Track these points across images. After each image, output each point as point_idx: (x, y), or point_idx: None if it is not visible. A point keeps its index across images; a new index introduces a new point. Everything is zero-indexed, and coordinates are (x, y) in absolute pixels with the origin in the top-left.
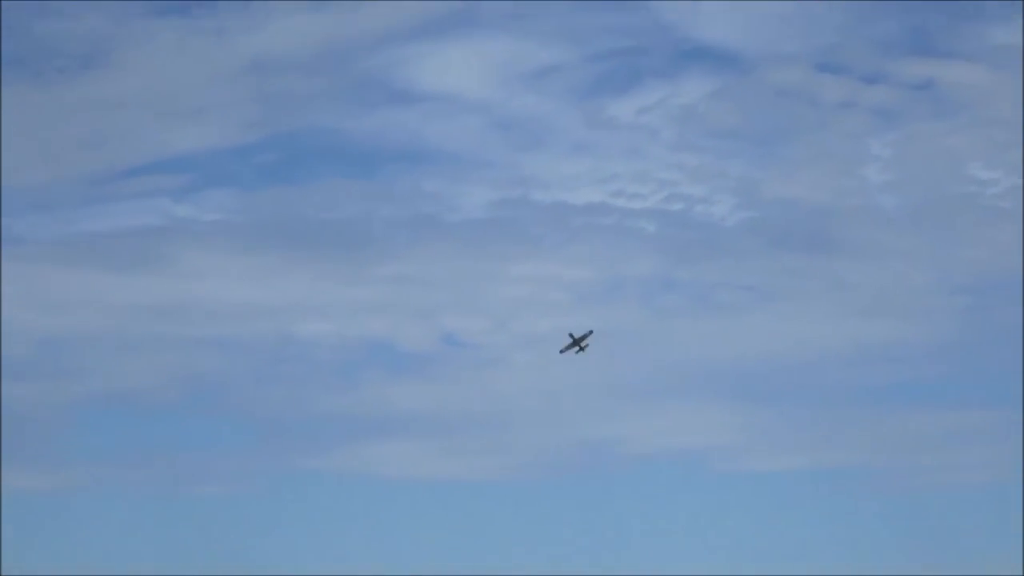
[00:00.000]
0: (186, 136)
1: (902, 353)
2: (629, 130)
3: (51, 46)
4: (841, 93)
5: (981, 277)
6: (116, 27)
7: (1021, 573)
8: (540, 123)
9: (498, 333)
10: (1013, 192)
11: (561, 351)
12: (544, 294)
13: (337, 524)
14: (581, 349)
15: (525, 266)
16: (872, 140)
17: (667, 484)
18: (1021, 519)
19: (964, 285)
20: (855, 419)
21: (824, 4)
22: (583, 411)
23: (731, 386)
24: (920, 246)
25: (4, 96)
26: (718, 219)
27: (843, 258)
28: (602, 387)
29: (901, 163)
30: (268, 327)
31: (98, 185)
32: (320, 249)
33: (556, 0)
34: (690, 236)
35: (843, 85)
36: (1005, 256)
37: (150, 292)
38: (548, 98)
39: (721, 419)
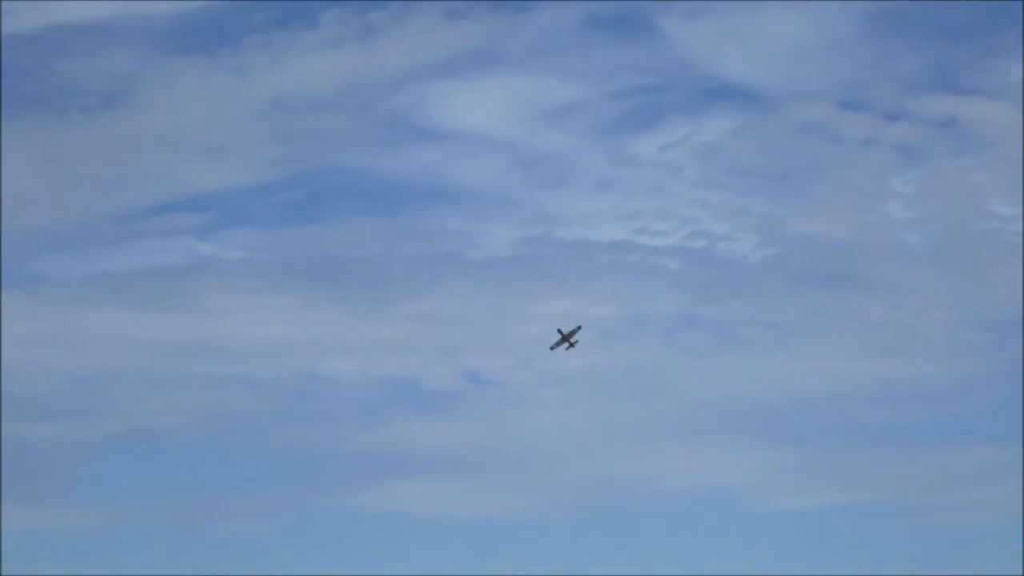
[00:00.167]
0: (209, 174)
1: (926, 390)
2: (652, 167)
3: (74, 85)
4: (864, 130)
5: (1004, 314)
6: (139, 66)
7: None
8: (563, 160)
9: (522, 371)
10: None
11: (551, 348)
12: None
13: (362, 562)
14: (571, 345)
15: (548, 303)
16: (894, 177)
17: (692, 522)
18: None
19: (987, 321)
20: (880, 456)
21: (846, 41)
22: (607, 449)
23: (755, 423)
24: (943, 283)
25: (27, 135)
26: (741, 256)
27: (866, 295)
28: (626, 425)
29: (924, 200)
30: (292, 365)
31: (121, 223)
32: (343, 287)
33: (578, 38)
34: (713, 273)
35: (866, 122)
36: None
37: (174, 330)
38: (570, 136)
39: (746, 456)
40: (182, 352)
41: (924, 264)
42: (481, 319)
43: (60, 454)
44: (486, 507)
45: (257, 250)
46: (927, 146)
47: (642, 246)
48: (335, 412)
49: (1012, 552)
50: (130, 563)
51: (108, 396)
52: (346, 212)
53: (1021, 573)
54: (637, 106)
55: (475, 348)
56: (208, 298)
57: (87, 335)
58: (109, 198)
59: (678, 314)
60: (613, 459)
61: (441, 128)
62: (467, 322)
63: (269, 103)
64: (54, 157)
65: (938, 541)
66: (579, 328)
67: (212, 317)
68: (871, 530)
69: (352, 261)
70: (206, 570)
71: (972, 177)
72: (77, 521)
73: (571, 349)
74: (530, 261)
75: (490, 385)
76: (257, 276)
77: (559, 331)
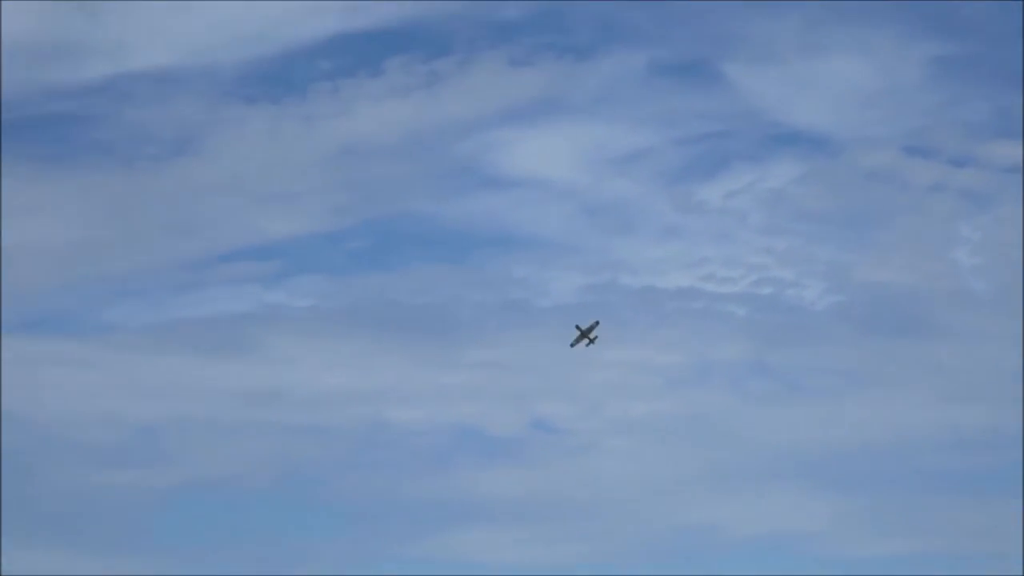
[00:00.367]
0: (276, 222)
1: (994, 437)
2: (718, 214)
3: (142, 132)
4: (930, 176)
5: None
6: (207, 113)
7: None
8: (629, 207)
9: (588, 418)
10: None
11: (571, 345)
12: (634, 379)
13: None
14: (591, 341)
15: (615, 351)
16: (961, 223)
17: (759, 570)
18: None
19: None
20: (948, 504)
21: (912, 87)
22: (675, 497)
23: (823, 471)
24: (1011, 329)
25: (96, 183)
26: (808, 303)
27: (934, 342)
28: (693, 472)
29: (990, 246)
30: (359, 412)
31: (190, 271)
32: (410, 334)
33: (643, 85)
34: (780, 320)
35: (932, 168)
36: None
37: (242, 378)
38: (636, 182)
39: (813, 504)
40: (249, 400)
41: (991, 311)
42: (547, 366)
43: (129, 502)
44: (552, 555)
45: (324, 298)
46: (994, 192)
47: (708, 293)
48: (401, 460)
49: None
50: None
51: (176, 444)
52: (413, 259)
53: (1021, 574)
54: (703, 153)
55: (541, 395)
56: (275, 346)
57: (155, 383)
58: (177, 246)
59: (745, 361)
60: (680, 507)
61: (507, 175)
62: (534, 369)
63: (336, 151)
64: (123, 205)
65: None
66: (597, 323)
67: (279, 365)
68: None
69: (419, 308)
70: None
71: None
72: (145, 569)
73: (591, 345)
74: (597, 308)
75: (556, 433)
76: (324, 324)
77: (577, 327)
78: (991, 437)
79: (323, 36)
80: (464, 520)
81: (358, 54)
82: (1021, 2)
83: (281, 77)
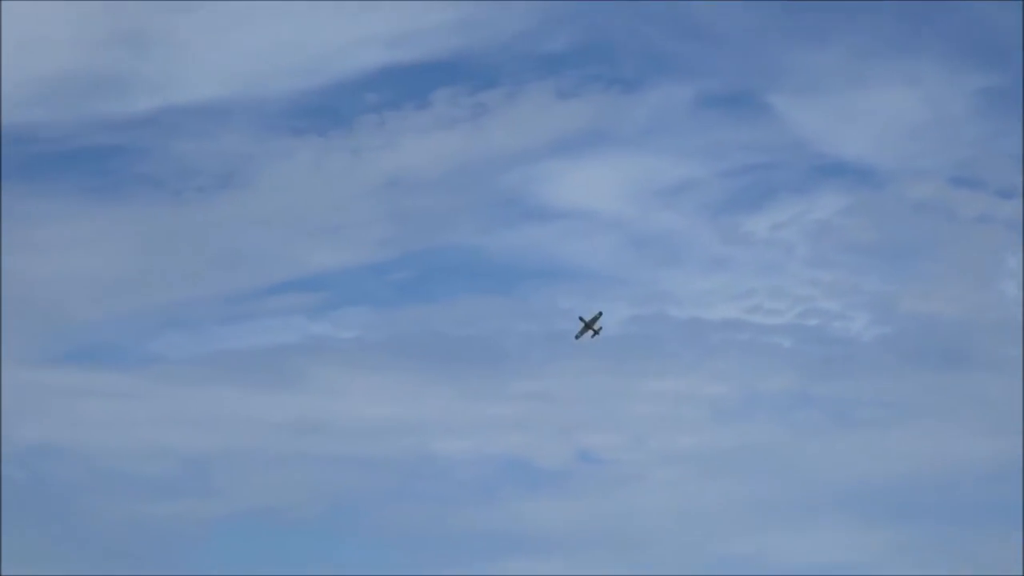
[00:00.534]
0: (322, 254)
1: None
2: (764, 246)
3: (189, 165)
4: (977, 207)
5: None
6: (253, 146)
7: None
8: (675, 239)
9: (635, 450)
10: None
11: (576, 337)
12: (681, 410)
13: None
14: (596, 332)
15: (661, 382)
16: (1008, 254)
17: None
18: None
19: None
20: (996, 536)
21: (958, 118)
22: (721, 528)
23: (870, 503)
24: None
25: (143, 215)
26: (854, 335)
27: (981, 373)
28: (740, 504)
29: None
30: (404, 444)
31: (236, 303)
32: (456, 366)
33: (690, 116)
34: (827, 352)
35: (978, 199)
36: None
37: (288, 410)
38: (683, 214)
39: (860, 536)
40: (295, 431)
41: None
42: (594, 398)
43: (176, 534)
44: None
45: (370, 329)
46: None
47: (755, 325)
48: (448, 491)
49: None
50: None
51: (223, 476)
52: (459, 291)
53: (1021, 574)
54: (749, 184)
55: (588, 427)
56: (321, 377)
57: (202, 415)
58: (223, 278)
59: (791, 393)
60: (726, 538)
61: (553, 207)
62: (580, 401)
63: (382, 183)
64: (170, 237)
65: None
66: (600, 314)
67: (325, 396)
68: None
69: (465, 340)
70: None
71: None
72: None
73: (596, 337)
74: (643, 340)
75: (603, 464)
76: (370, 355)
77: (581, 319)
78: None
79: (370, 69)
80: (510, 551)
81: (405, 86)
82: None
83: (328, 109)
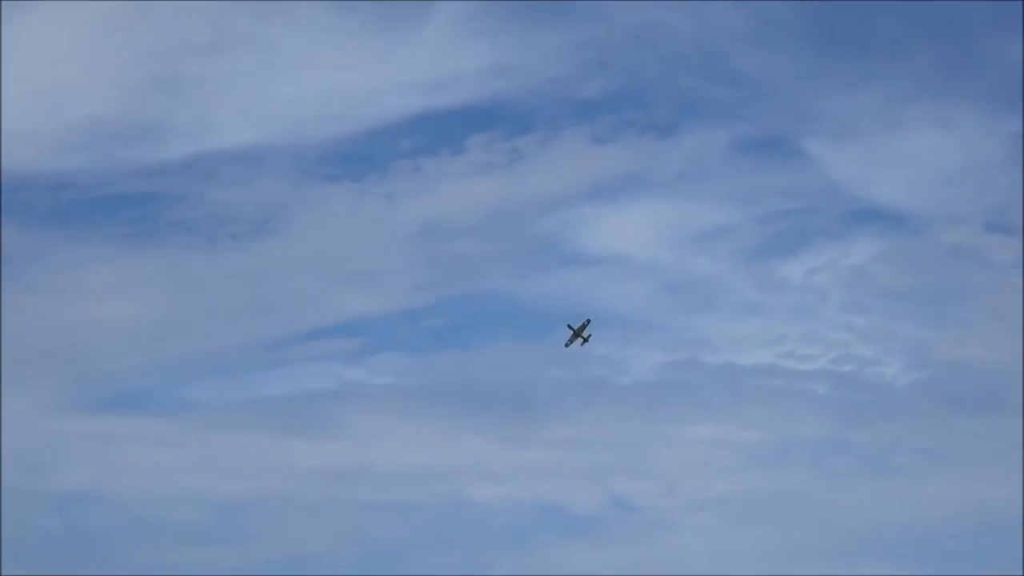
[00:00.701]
0: (357, 300)
1: None
2: (799, 291)
3: (225, 211)
4: (1011, 252)
5: None
6: (288, 192)
7: None
8: (709, 285)
9: (669, 496)
10: None
11: (566, 345)
12: (715, 456)
13: None
14: (585, 340)
15: (696, 428)
16: None
17: None
18: None
19: None
20: None
21: (993, 164)
22: (756, 574)
23: (905, 549)
24: None
25: (179, 262)
26: (889, 380)
27: (1015, 419)
28: (775, 550)
29: None
30: (440, 490)
31: (271, 350)
32: (490, 412)
33: (725, 162)
34: (861, 398)
35: (1013, 244)
36: None
37: (323, 456)
38: (717, 260)
39: None
40: (330, 478)
41: None
42: (628, 444)
43: None
44: None
45: (405, 375)
46: None
47: (789, 370)
48: (482, 537)
49: None
50: None
51: (258, 522)
52: (493, 337)
53: (1021, 574)
54: (784, 230)
55: (622, 473)
56: (356, 424)
57: (237, 461)
58: (259, 324)
59: (826, 439)
60: None
61: (588, 253)
62: (614, 447)
63: (417, 229)
64: (206, 283)
65: None
66: (588, 322)
67: (360, 443)
68: None
69: (499, 386)
70: None
71: None
72: None
73: (586, 344)
74: (677, 386)
75: (636, 510)
76: (404, 402)
77: (569, 326)
78: None
79: (405, 114)
80: None
81: (440, 132)
82: None
83: (363, 155)
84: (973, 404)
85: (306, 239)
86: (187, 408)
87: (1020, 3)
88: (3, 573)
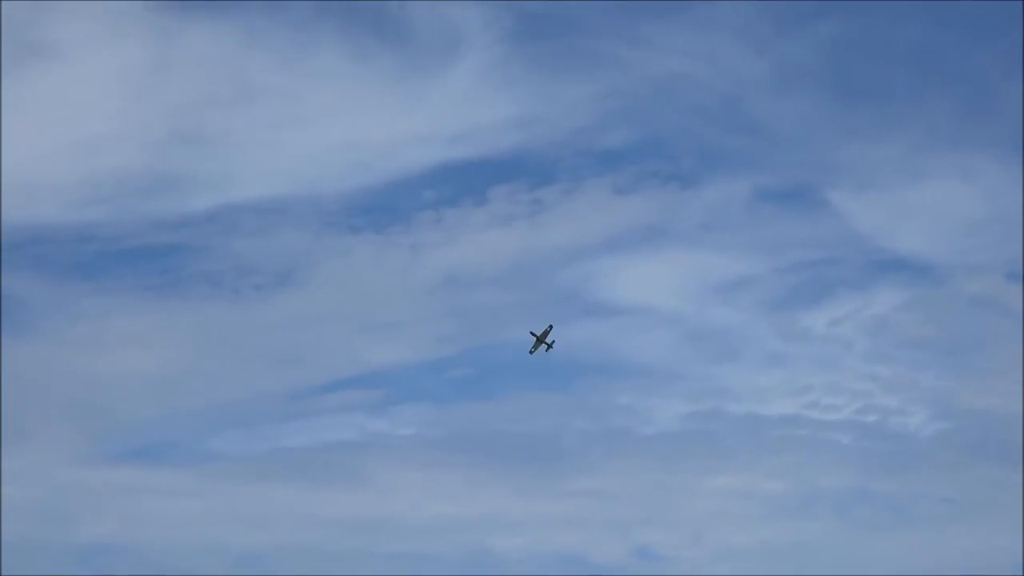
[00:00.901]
0: (380, 351)
1: None
2: (822, 341)
3: (248, 263)
4: None
5: None
6: (311, 243)
7: None
8: (732, 335)
9: (692, 546)
10: None
11: (531, 352)
12: (739, 507)
13: None
14: (549, 347)
15: (719, 479)
16: None
17: None
18: None
19: None
20: None
21: (1015, 213)
22: None
23: None
24: None
25: (201, 313)
26: (913, 430)
27: None
28: None
29: None
30: (462, 540)
31: (294, 401)
32: (514, 463)
33: (747, 212)
34: (885, 448)
35: None
36: None
37: (346, 506)
38: (740, 310)
39: None
40: (352, 529)
41: None
42: (652, 494)
43: None
44: None
45: (428, 426)
46: None
47: (813, 420)
48: None
49: None
50: None
51: (279, 572)
52: (517, 388)
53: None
54: (806, 280)
55: (645, 523)
56: (379, 474)
57: (259, 512)
58: (281, 375)
59: (850, 489)
60: None
61: (611, 303)
62: (638, 497)
63: (440, 280)
64: (228, 335)
65: None
66: (551, 327)
67: (383, 493)
68: None
69: (523, 437)
70: None
71: None
72: None
73: (550, 350)
74: (701, 436)
75: (660, 560)
76: (428, 452)
77: (532, 333)
78: None
79: (428, 166)
80: None
81: (463, 183)
82: None
83: (385, 207)
84: (997, 453)
85: (329, 290)
86: (209, 459)
87: None
88: (3, 574)
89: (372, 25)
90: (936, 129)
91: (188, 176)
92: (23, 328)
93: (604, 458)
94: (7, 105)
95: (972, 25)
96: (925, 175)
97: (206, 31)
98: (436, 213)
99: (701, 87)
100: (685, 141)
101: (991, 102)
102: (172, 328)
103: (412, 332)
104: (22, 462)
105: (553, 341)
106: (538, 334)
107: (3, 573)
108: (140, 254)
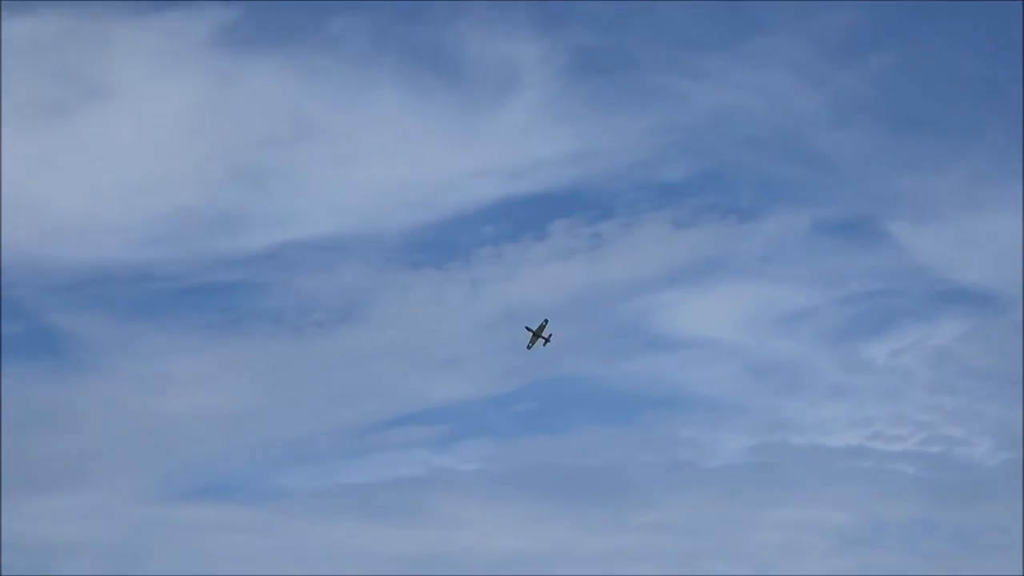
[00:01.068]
0: (443, 387)
1: None
2: (884, 373)
3: (309, 300)
4: None
5: None
6: (372, 280)
7: None
8: (794, 367)
9: None
10: None
11: (528, 347)
12: (804, 539)
13: None
14: (547, 341)
15: (784, 511)
16: None
17: None
18: None
19: None
20: None
21: None
22: None
23: None
24: None
25: (264, 351)
26: (978, 460)
27: None
28: None
29: None
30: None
31: (358, 437)
32: (578, 497)
33: (807, 244)
34: (951, 478)
35: None
36: None
37: (411, 543)
38: (802, 342)
39: None
40: (418, 564)
41: None
42: (716, 527)
43: None
44: None
45: (492, 461)
46: None
47: (877, 452)
48: None
49: None
50: None
51: None
52: (580, 422)
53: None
54: (868, 311)
55: (710, 557)
56: (443, 510)
57: (325, 549)
58: (345, 412)
59: (916, 520)
60: None
61: (672, 336)
62: (702, 530)
63: (501, 315)
64: (291, 372)
65: None
66: (546, 321)
67: (447, 529)
68: None
69: (587, 471)
70: None
71: None
72: None
73: (548, 345)
74: (765, 468)
75: None
76: (492, 487)
77: (527, 328)
78: None
79: (487, 201)
80: None
81: (522, 218)
82: None
83: (445, 242)
84: None
85: (390, 326)
86: (275, 496)
87: None
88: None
89: (429, 62)
90: (995, 159)
91: (248, 214)
92: (87, 368)
93: (668, 491)
94: (70, 146)
95: None
96: (985, 205)
97: (265, 70)
98: (496, 248)
99: (758, 119)
100: (743, 174)
101: None
102: (235, 366)
103: (474, 367)
104: (90, 502)
105: (550, 335)
106: (534, 329)
107: (3, 574)
108: (202, 292)
